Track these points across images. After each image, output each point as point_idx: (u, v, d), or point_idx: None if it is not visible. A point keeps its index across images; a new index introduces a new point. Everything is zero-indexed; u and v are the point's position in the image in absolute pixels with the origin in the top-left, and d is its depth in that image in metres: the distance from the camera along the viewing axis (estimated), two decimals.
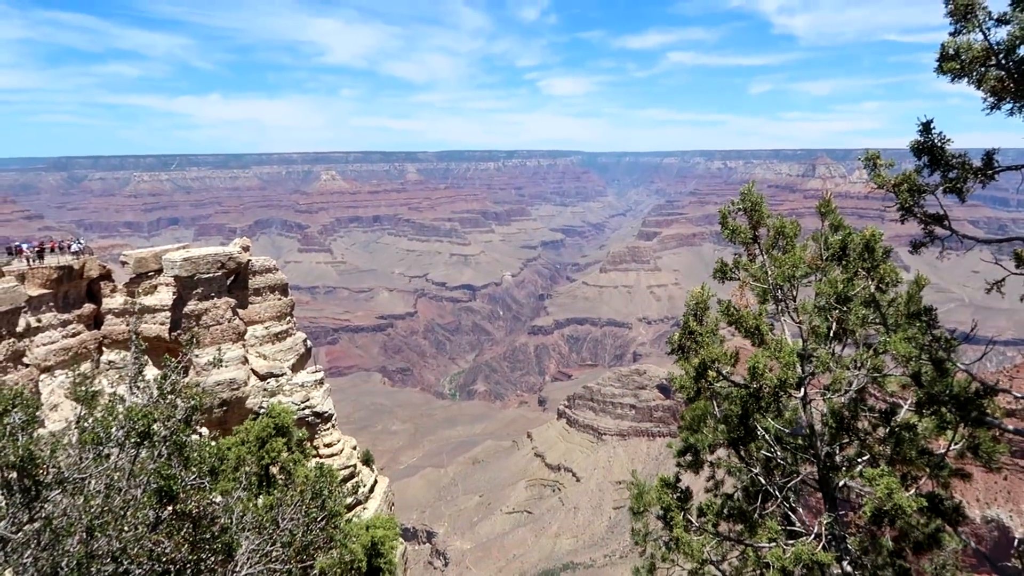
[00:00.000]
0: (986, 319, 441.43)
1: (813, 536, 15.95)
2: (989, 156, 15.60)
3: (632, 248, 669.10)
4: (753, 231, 19.32)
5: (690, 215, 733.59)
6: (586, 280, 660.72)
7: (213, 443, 13.04)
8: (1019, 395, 18.63)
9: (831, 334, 18.32)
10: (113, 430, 11.43)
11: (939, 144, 15.92)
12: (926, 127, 15.93)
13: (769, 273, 18.63)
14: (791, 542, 15.89)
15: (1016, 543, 20.84)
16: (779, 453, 18.23)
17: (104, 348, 64.97)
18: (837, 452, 17.82)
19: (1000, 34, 14.63)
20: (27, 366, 56.38)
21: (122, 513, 9.82)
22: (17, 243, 68.42)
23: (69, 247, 67.30)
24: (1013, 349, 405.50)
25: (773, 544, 15.87)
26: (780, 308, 18.94)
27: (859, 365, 17.64)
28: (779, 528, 16.52)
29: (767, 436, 18.03)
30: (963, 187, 15.92)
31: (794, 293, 18.81)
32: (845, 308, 17.86)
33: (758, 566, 17.14)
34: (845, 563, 16.18)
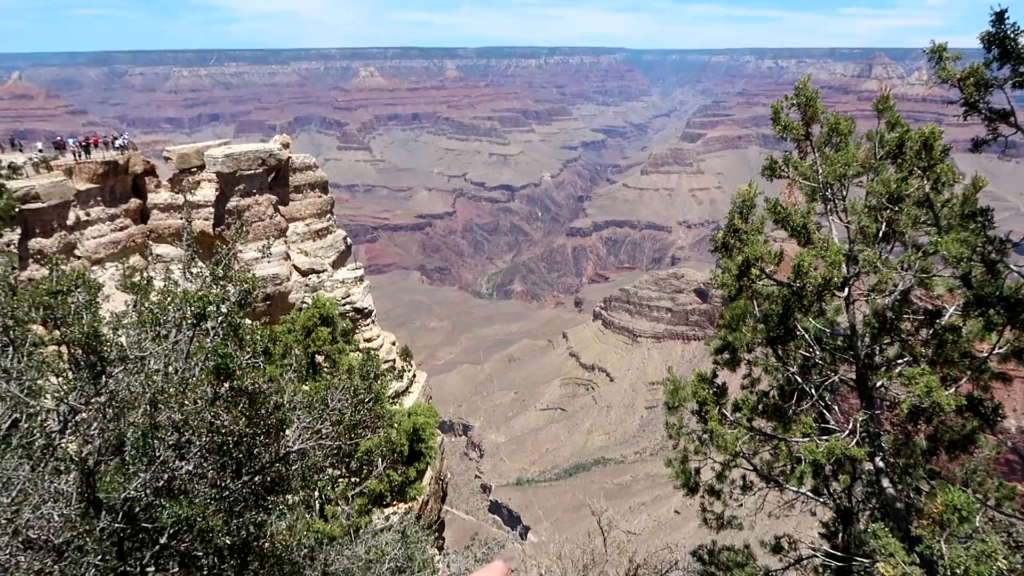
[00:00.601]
0: None
1: (847, 433, 16.16)
2: None
3: (675, 150, 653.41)
4: (806, 127, 18.69)
5: (737, 117, 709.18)
6: (627, 182, 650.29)
7: (264, 328, 13.55)
8: None
9: (880, 235, 17.94)
10: (170, 313, 11.90)
11: (1012, 35, 15.02)
12: (999, 17, 15.00)
13: (820, 171, 18.13)
14: (825, 438, 16.14)
15: None
16: (818, 353, 18.27)
17: (151, 242, 66.67)
18: (877, 353, 17.79)
19: None
20: (79, 258, 58.29)
21: (182, 388, 10.36)
22: (61, 137, 69.36)
23: (113, 142, 67.98)
24: None
25: (807, 439, 16.15)
26: (829, 208, 18.53)
27: (907, 267, 17.34)
28: (813, 424, 16.74)
29: (807, 336, 18.03)
30: None
31: (844, 193, 18.34)
32: (897, 208, 17.41)
33: (790, 460, 17.52)
34: (878, 459, 16.43)
